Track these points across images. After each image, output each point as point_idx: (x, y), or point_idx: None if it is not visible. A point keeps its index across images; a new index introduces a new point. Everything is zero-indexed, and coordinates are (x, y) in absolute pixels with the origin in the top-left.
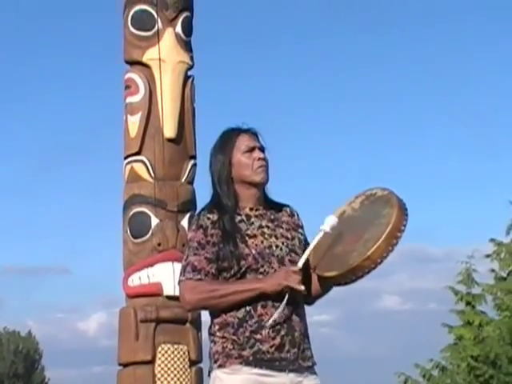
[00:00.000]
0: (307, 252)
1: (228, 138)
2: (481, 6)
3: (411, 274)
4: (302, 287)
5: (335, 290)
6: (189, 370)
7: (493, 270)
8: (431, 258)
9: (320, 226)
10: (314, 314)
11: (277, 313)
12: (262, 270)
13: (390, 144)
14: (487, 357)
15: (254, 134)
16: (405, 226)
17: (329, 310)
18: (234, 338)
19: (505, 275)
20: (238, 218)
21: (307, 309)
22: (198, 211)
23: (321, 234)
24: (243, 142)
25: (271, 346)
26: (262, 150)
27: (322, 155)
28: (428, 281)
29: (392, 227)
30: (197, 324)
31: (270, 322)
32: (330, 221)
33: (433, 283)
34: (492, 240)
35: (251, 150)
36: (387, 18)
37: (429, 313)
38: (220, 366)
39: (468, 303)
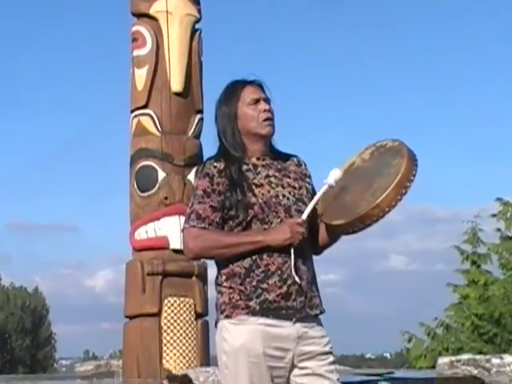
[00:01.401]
0: (311, 204)
1: (233, 90)
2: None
3: (418, 235)
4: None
5: (342, 249)
6: (195, 323)
7: (498, 230)
8: (438, 218)
9: (324, 179)
10: (321, 274)
11: (293, 269)
12: (267, 219)
13: (399, 105)
14: (491, 315)
15: (259, 85)
16: (414, 175)
17: (335, 270)
18: (241, 288)
19: (510, 235)
20: (245, 167)
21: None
22: (204, 160)
23: (325, 187)
24: (248, 93)
25: (278, 295)
26: (267, 101)
27: (333, 110)
28: (435, 241)
29: (401, 176)
30: (203, 277)
31: (297, 280)
32: (334, 174)
33: (440, 244)
34: (498, 199)
35: (256, 101)
36: (398, 11)
37: (435, 273)
38: (227, 317)
39: (473, 262)
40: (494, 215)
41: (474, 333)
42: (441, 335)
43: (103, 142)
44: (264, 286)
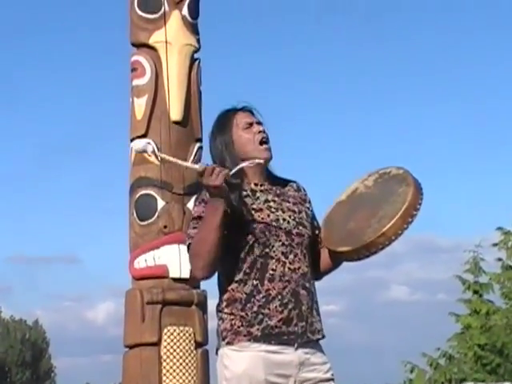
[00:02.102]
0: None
1: (225, 119)
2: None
3: (420, 265)
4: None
5: (343, 279)
6: (195, 352)
7: (500, 259)
8: (440, 248)
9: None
10: (322, 304)
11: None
12: (268, 243)
13: (398, 134)
14: (494, 345)
15: (249, 111)
16: (420, 204)
17: (337, 301)
18: (242, 314)
19: None
20: (243, 192)
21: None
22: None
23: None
24: (241, 118)
25: (279, 320)
26: (260, 124)
27: (332, 137)
28: (437, 271)
29: (408, 205)
30: (203, 306)
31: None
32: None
33: (442, 273)
34: (499, 229)
35: (250, 125)
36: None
37: (437, 303)
38: (228, 344)
39: (475, 292)
40: (495, 244)
41: (477, 363)
42: (443, 366)
43: (103, 169)
44: (265, 311)
